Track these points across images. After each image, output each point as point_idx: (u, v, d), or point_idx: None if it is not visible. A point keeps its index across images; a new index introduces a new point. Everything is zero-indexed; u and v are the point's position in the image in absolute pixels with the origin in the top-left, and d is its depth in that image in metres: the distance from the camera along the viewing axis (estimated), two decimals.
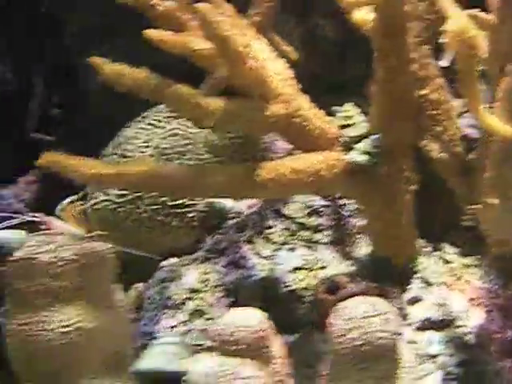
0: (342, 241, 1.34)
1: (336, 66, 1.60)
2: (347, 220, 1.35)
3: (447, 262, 1.30)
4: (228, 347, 0.99)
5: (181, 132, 1.47)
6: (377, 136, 1.12)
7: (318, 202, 1.37)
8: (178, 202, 1.42)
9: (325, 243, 1.33)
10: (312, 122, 1.17)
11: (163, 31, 1.12)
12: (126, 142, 1.51)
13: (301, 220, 1.34)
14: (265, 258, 1.33)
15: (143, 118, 1.55)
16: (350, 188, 1.19)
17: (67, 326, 1.06)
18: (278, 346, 1.01)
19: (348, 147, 1.18)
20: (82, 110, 1.80)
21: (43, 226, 1.37)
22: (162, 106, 1.56)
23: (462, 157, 1.24)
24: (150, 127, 1.50)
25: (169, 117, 1.52)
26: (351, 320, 0.94)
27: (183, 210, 1.42)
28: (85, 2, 1.77)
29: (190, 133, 1.47)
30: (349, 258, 1.32)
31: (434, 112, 1.24)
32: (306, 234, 1.33)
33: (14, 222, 1.39)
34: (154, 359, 0.91)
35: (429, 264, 1.30)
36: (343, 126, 1.22)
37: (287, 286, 1.28)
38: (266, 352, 1.01)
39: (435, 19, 1.21)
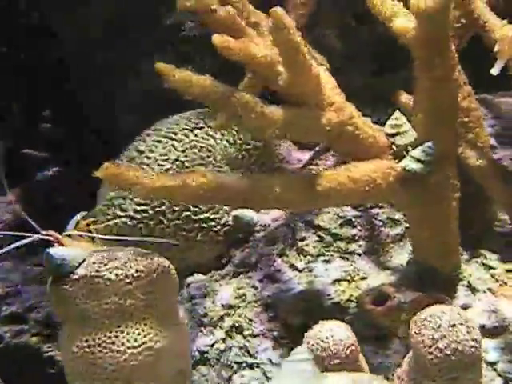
0: (376, 251, 1.31)
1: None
2: (380, 230, 1.32)
3: (489, 268, 1.28)
4: (329, 361, 0.97)
5: (199, 144, 1.44)
6: (430, 144, 1.10)
7: (349, 212, 1.33)
8: (202, 216, 1.38)
9: (360, 254, 1.31)
10: (364, 131, 1.16)
11: (228, 37, 1.07)
12: (140, 156, 1.43)
13: (334, 231, 1.30)
14: (301, 270, 1.31)
15: (155, 130, 1.50)
16: (401, 196, 1.19)
17: (136, 346, 0.98)
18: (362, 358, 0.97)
19: (399, 155, 1.15)
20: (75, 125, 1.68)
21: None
22: (172, 119, 1.51)
23: (497, 163, 1.24)
24: (165, 140, 1.46)
25: (184, 129, 1.47)
26: (439, 329, 0.91)
27: (207, 225, 1.39)
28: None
29: (209, 145, 1.44)
30: (386, 268, 1.29)
31: (466, 119, 1.25)
32: (340, 244, 1.29)
33: (26, 241, 1.30)
34: (287, 379, 0.86)
35: (471, 271, 1.29)
36: (391, 135, 1.18)
37: (330, 299, 1.22)
38: (359, 365, 1.00)
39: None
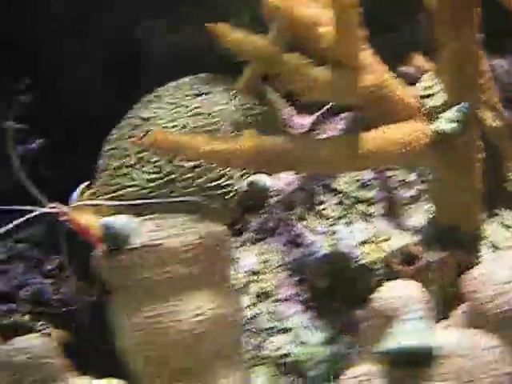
0: (393, 212, 1.32)
1: None
2: (396, 192, 1.33)
3: (508, 227, 1.31)
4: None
5: (206, 111, 1.40)
6: (465, 104, 1.12)
7: (365, 175, 1.34)
8: (214, 184, 1.35)
9: (379, 216, 1.30)
10: (398, 93, 1.16)
11: None
12: (146, 123, 1.40)
13: (353, 194, 1.31)
14: (322, 233, 1.29)
15: (156, 97, 1.46)
16: (433, 158, 1.20)
17: (200, 314, 0.97)
18: None
19: (431, 117, 1.16)
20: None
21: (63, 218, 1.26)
22: (172, 85, 1.49)
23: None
24: (170, 106, 1.42)
25: (188, 95, 1.43)
26: (496, 286, 0.93)
27: (220, 192, 1.35)
28: None
29: (216, 111, 1.40)
30: (406, 229, 1.30)
31: (481, 81, 1.26)
32: (361, 207, 1.30)
33: (33, 214, 1.33)
34: (404, 337, 0.87)
35: (492, 230, 1.31)
36: (422, 97, 1.20)
37: (357, 261, 1.23)
38: None
39: None
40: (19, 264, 1.60)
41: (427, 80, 1.21)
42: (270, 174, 1.45)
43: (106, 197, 1.45)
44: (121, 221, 0.99)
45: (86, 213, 1.37)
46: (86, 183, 1.43)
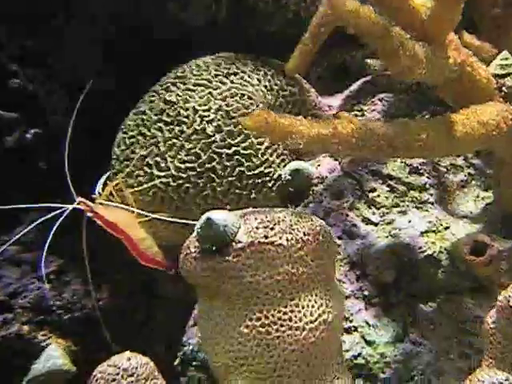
0: (444, 199, 1.25)
1: None
2: (445, 177, 1.27)
3: None
4: None
5: (239, 92, 1.30)
6: None
7: (416, 159, 1.26)
8: (256, 171, 1.25)
9: (432, 202, 1.24)
10: (479, 72, 1.09)
11: None
12: (174, 107, 1.28)
13: (406, 180, 1.23)
14: (377, 223, 1.21)
15: (179, 78, 1.33)
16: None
17: (313, 321, 0.87)
18: None
19: (507, 98, 1.11)
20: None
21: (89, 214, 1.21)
22: (195, 65, 1.38)
23: None
24: (199, 88, 1.30)
25: (217, 75, 1.32)
26: None
27: (261, 180, 1.26)
28: None
29: (249, 92, 1.30)
30: (462, 216, 1.25)
31: None
32: (414, 194, 1.23)
33: (56, 212, 1.25)
34: None
35: None
36: (501, 76, 1.13)
37: (422, 251, 1.16)
38: None
39: None
40: (12, 269, 1.39)
41: (507, 57, 1.11)
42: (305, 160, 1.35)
43: (133, 190, 1.34)
44: (222, 217, 0.85)
45: (111, 208, 1.28)
46: (106, 175, 1.35)
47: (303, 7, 1.46)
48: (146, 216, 1.22)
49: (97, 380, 0.87)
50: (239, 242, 0.87)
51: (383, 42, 0.94)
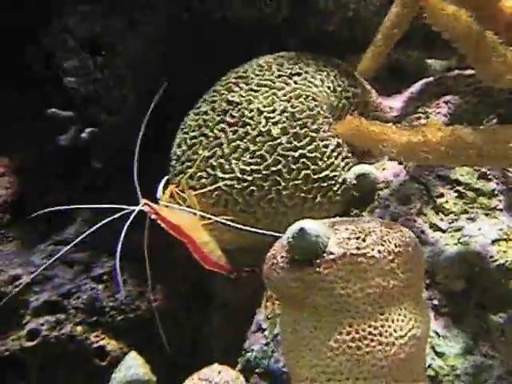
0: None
1: None
2: None
3: None
4: None
5: (304, 93, 1.27)
6: None
7: None
8: (322, 175, 1.23)
9: (501, 209, 1.21)
10: None
11: None
12: (237, 107, 1.25)
13: (476, 185, 1.20)
14: (445, 230, 1.17)
15: (240, 78, 1.30)
16: None
17: (403, 336, 0.84)
18: None
19: None
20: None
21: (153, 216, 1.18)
22: (256, 65, 1.33)
23: None
24: (263, 89, 1.28)
25: (281, 75, 1.28)
26: None
27: (327, 183, 1.23)
28: None
29: (313, 93, 1.27)
30: None
31: None
32: (483, 200, 1.19)
33: (122, 213, 1.22)
34: None
35: None
36: None
37: (494, 261, 1.13)
38: None
39: None
40: (65, 269, 1.37)
41: None
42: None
43: (196, 192, 1.30)
44: (315, 227, 0.82)
45: (175, 210, 1.25)
46: (166, 177, 1.32)
47: (363, 6, 1.42)
48: (210, 219, 1.18)
49: None
50: (331, 253, 0.85)
51: (477, 48, 0.91)
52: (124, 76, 1.42)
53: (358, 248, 0.85)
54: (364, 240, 0.86)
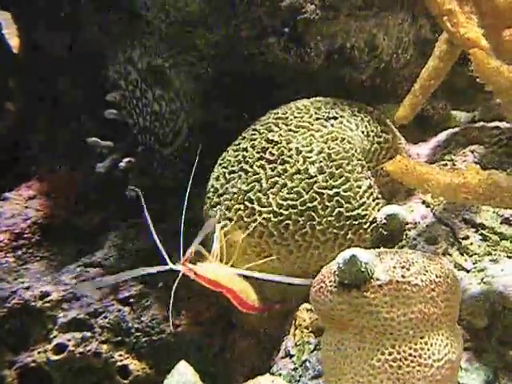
0: None
1: None
2: None
3: None
4: None
5: (340, 135, 1.35)
6: None
7: (507, 210, 1.31)
8: (354, 213, 1.30)
9: None
10: None
11: None
12: (276, 146, 1.34)
13: (499, 230, 1.28)
14: (469, 270, 1.25)
15: (279, 119, 1.41)
16: None
17: (440, 359, 0.92)
18: None
19: None
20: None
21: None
22: (295, 107, 1.42)
23: None
24: (301, 130, 1.37)
25: (318, 118, 1.37)
26: None
27: (358, 222, 1.31)
28: None
29: (348, 136, 1.35)
30: None
31: None
32: (506, 243, 1.28)
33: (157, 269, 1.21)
34: None
35: None
36: None
37: None
38: None
39: None
40: (94, 290, 1.43)
41: None
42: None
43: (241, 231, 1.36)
44: (364, 255, 0.90)
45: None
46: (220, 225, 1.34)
47: (395, 58, 1.50)
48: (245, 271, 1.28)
49: None
50: (378, 279, 0.91)
51: None
52: (179, 110, 1.47)
53: (403, 276, 0.92)
54: (408, 269, 0.93)
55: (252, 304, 1.25)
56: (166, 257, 1.18)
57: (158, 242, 1.20)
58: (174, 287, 1.21)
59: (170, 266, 1.19)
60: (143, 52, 1.44)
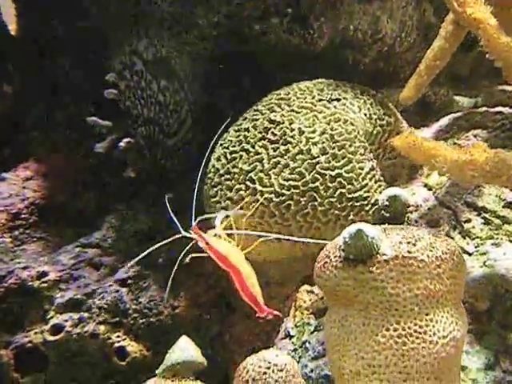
0: None
1: None
2: None
3: None
4: None
5: (343, 117, 1.34)
6: None
7: (509, 194, 1.30)
8: (356, 195, 1.30)
9: None
10: None
11: None
12: (279, 126, 1.33)
13: (501, 213, 1.27)
14: (473, 253, 1.24)
15: (282, 99, 1.39)
16: None
17: (445, 336, 0.91)
18: None
19: None
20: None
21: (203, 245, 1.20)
22: (298, 88, 1.43)
23: None
24: (304, 110, 1.35)
25: (321, 100, 1.36)
26: None
27: (360, 203, 1.30)
28: None
29: (351, 118, 1.34)
30: None
31: None
32: (508, 227, 1.27)
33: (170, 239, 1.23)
34: None
35: None
36: None
37: None
38: None
39: None
40: (91, 271, 1.42)
41: None
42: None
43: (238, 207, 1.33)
44: (371, 230, 0.89)
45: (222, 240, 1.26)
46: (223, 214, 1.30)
47: (398, 42, 1.49)
48: (260, 236, 1.26)
49: (247, 371, 0.89)
50: (384, 254, 0.90)
51: None
52: (183, 100, 1.46)
53: (409, 252, 0.91)
54: (414, 245, 0.92)
55: (254, 295, 1.22)
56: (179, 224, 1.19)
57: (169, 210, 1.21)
58: (179, 257, 1.21)
59: (183, 233, 1.20)
60: (149, 42, 1.41)
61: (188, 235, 1.22)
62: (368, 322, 0.91)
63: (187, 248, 1.20)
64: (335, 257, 0.93)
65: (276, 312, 1.13)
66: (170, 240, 1.21)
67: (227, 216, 1.28)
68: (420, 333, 0.90)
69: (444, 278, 0.92)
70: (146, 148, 1.47)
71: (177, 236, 1.22)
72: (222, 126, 1.39)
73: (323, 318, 1.05)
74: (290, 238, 1.26)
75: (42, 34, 1.70)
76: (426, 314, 0.91)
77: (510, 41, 0.94)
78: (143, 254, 1.20)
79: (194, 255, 1.24)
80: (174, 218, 1.21)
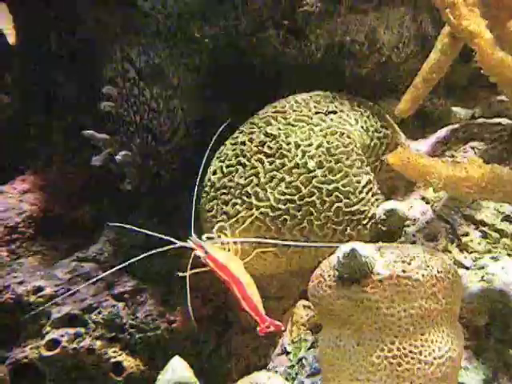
0: None
1: None
2: None
3: None
4: None
5: (339, 130, 1.33)
6: None
7: (508, 207, 1.29)
8: (353, 209, 1.28)
9: None
10: None
11: None
12: (275, 140, 1.33)
13: (499, 227, 1.26)
14: (468, 268, 1.23)
15: (278, 112, 1.38)
16: None
17: (441, 356, 0.89)
18: None
19: None
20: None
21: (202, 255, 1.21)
22: (294, 101, 1.40)
23: None
24: (300, 124, 1.34)
25: (317, 112, 1.35)
26: None
27: (357, 217, 1.29)
28: None
29: (348, 131, 1.33)
30: None
31: None
32: (506, 241, 1.26)
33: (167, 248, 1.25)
34: None
35: None
36: None
37: None
38: None
39: None
40: (88, 285, 1.41)
41: None
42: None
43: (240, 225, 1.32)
44: (365, 249, 0.87)
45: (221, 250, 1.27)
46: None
47: (395, 53, 1.48)
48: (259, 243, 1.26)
49: None
50: (378, 273, 0.89)
51: None
52: (177, 107, 1.45)
53: (403, 271, 0.90)
54: (409, 264, 0.91)
55: (255, 305, 1.20)
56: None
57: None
58: (189, 263, 1.22)
59: (182, 243, 1.21)
60: (141, 50, 1.40)
61: (187, 245, 1.22)
62: (362, 342, 0.90)
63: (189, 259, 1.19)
64: (329, 276, 0.92)
65: (278, 322, 1.10)
66: (168, 248, 1.23)
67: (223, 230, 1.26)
68: (415, 353, 0.89)
69: (439, 297, 0.91)
70: (139, 155, 1.44)
71: (176, 245, 1.24)
72: (219, 131, 1.35)
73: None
74: (288, 243, 1.28)
75: (38, 46, 1.67)
76: (422, 334, 0.90)
77: (504, 56, 0.92)
78: (137, 259, 1.23)
79: (195, 271, 1.24)
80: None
